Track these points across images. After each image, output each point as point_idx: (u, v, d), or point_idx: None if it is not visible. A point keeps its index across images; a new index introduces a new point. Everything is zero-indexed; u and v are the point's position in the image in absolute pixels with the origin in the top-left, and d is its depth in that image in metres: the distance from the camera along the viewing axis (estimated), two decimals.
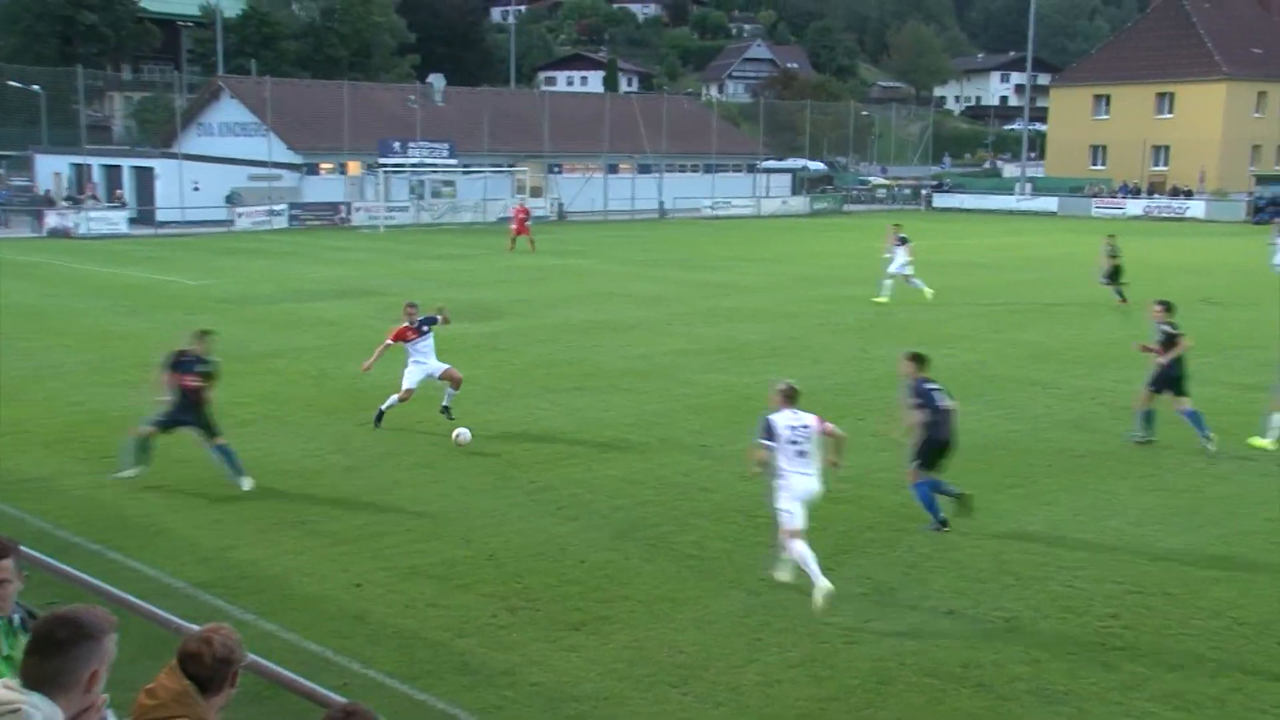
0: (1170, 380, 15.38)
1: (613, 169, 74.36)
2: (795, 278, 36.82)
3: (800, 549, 10.14)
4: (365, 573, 10.79)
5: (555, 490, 13.47)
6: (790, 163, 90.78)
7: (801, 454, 10.31)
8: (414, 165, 61.71)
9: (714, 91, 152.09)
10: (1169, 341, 15.37)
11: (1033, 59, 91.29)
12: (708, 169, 78.99)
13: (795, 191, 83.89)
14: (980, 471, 14.30)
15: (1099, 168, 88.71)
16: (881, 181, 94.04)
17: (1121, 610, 10.02)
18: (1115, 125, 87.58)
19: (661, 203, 72.27)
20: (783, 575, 10.53)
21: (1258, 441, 15.42)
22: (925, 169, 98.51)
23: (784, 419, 10.33)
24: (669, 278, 35.41)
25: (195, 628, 4.49)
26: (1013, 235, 57.91)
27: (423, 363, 16.19)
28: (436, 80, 74.86)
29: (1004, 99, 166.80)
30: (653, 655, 9.09)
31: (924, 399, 11.97)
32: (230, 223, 56.56)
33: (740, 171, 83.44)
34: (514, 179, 68.81)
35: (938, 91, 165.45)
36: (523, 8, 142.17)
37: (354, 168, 65.01)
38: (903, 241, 30.60)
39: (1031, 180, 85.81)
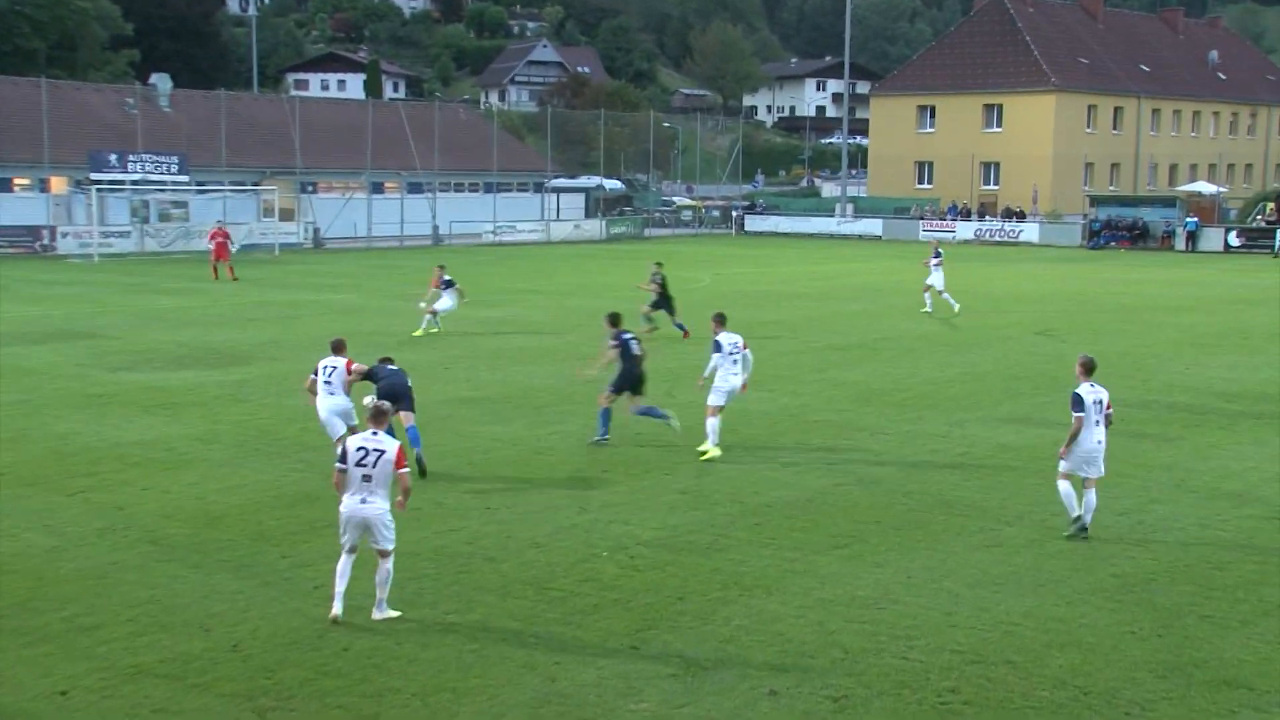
0: (631, 381, 19.00)
1: (377, 188, 73.70)
2: (591, 312, 37.07)
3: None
4: (74, 676, 10.27)
5: (312, 566, 13.13)
6: (583, 181, 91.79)
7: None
8: (135, 182, 59.79)
9: (494, 99, 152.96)
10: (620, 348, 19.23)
11: (850, 64, 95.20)
12: (488, 188, 79.18)
13: (590, 214, 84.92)
14: (802, 530, 14.66)
15: (925, 186, 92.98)
16: (687, 202, 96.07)
17: (961, 683, 10.39)
18: (941, 139, 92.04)
19: (436, 227, 72.00)
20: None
21: None
22: (735, 188, 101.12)
23: (358, 441, 11.50)
24: (445, 314, 35.15)
25: None
26: (835, 262, 59.95)
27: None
28: (161, 81, 72.91)
29: (821, 109, 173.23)
30: None
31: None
32: None
33: (526, 191, 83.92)
34: (260, 199, 67.40)
35: (748, 100, 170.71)
36: None
37: (58, 184, 62.51)
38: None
39: (853, 200, 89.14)
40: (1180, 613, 12.10)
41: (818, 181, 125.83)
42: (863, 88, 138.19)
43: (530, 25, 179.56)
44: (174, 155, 61.71)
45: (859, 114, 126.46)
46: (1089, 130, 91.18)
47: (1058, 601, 12.37)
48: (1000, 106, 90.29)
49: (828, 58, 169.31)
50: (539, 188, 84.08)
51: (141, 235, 60.01)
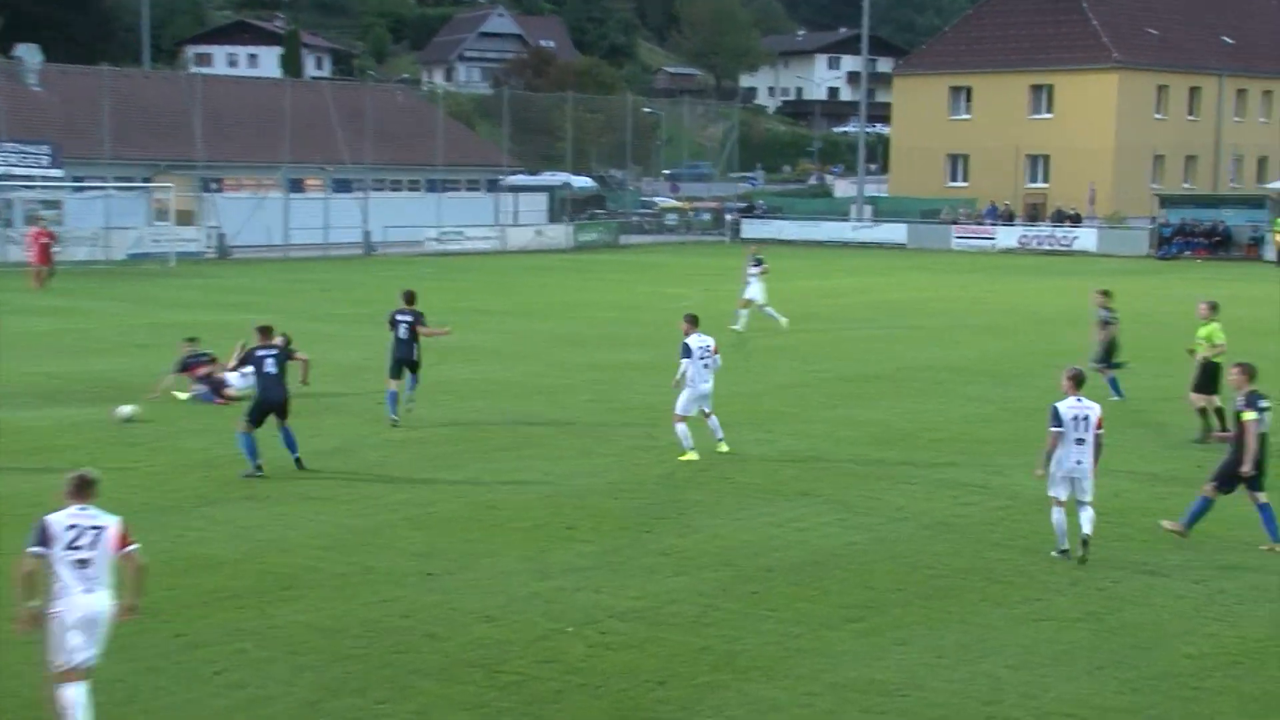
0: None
1: (296, 186, 73.69)
2: (554, 338, 37.17)
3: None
4: None
5: (212, 646, 13.09)
6: (546, 178, 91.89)
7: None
8: None
9: (439, 78, 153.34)
10: None
11: (870, 38, 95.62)
12: (432, 186, 79.24)
13: (554, 218, 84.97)
14: (809, 600, 14.67)
15: (959, 184, 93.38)
16: (672, 203, 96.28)
17: None
18: (979, 128, 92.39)
19: (368, 234, 71.96)
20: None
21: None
22: (730, 186, 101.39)
23: (64, 519, 10.73)
24: (377, 338, 35.03)
25: None
26: (849, 275, 60.15)
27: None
28: (29, 53, 72.64)
29: (833, 91, 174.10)
30: None
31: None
32: None
33: (477, 190, 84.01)
34: (151, 199, 67.22)
35: (745, 81, 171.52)
36: None
37: None
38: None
39: (871, 201, 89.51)
40: (1274, 704, 12.12)
41: (829, 179, 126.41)
42: (884, 65, 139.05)
43: None
44: (44, 145, 61.46)
45: (879, 97, 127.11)
46: (1158, 116, 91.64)
47: (1120, 688, 12.40)
48: (1050, 88, 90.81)
49: (842, 30, 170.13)
50: (493, 186, 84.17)
51: (3, 242, 59.82)
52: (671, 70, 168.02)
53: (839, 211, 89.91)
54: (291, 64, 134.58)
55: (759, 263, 38.95)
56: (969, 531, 17.59)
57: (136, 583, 11.14)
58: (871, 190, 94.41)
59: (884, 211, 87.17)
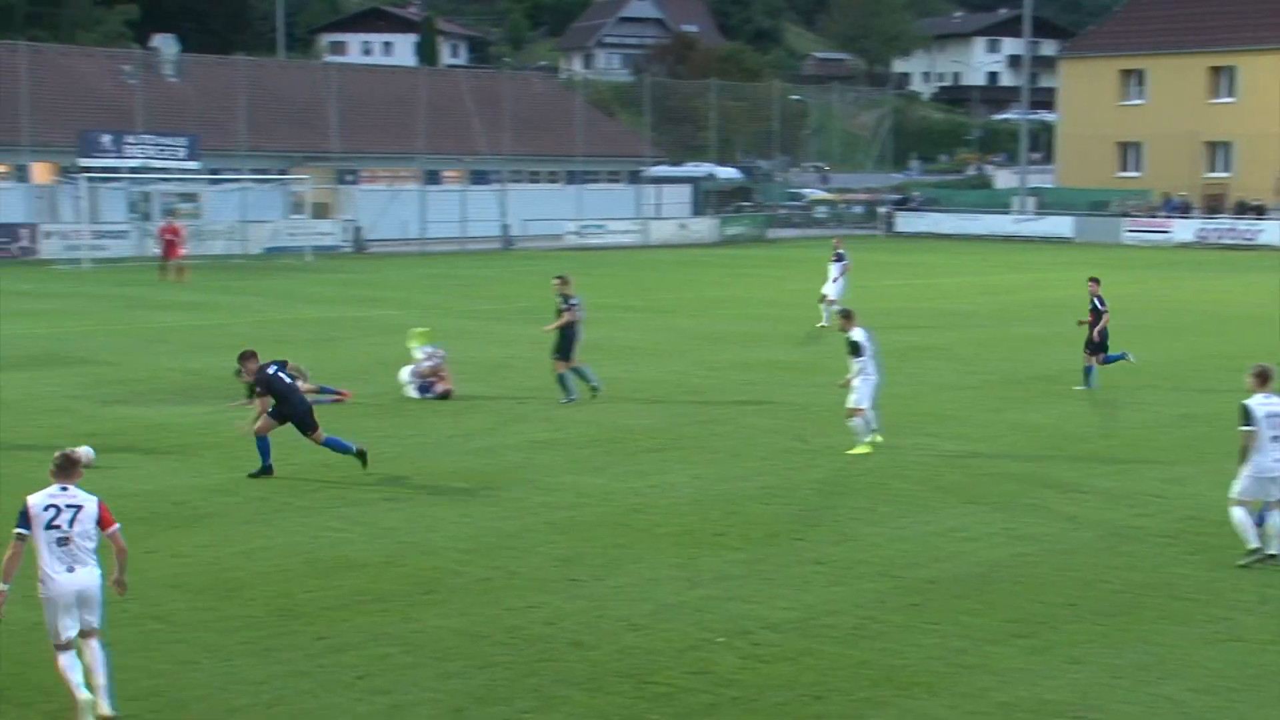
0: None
1: (433, 178, 74.49)
2: (700, 335, 37.16)
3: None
4: None
5: (354, 650, 13.27)
6: (690, 169, 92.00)
7: None
8: (135, 170, 60.95)
9: (578, 66, 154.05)
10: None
11: (1033, 19, 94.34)
12: (571, 178, 79.68)
13: (698, 210, 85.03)
14: (974, 614, 14.51)
15: (1131, 174, 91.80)
16: (821, 195, 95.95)
17: None
18: (1153, 114, 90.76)
19: (506, 227, 72.54)
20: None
21: None
22: (884, 177, 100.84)
23: (43, 499, 11.48)
24: (518, 336, 35.45)
25: None
26: (1012, 271, 59.49)
27: None
28: (166, 44, 74.40)
29: (993, 76, 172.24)
30: None
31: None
32: None
33: (618, 182, 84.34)
34: (288, 192, 68.33)
35: (899, 66, 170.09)
36: None
37: (43, 172, 64.02)
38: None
39: (1035, 193, 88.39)
40: None
41: (989, 169, 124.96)
42: (1048, 49, 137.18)
43: None
44: (182, 137, 62.64)
45: (1042, 82, 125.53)
46: None
47: None
48: (1233, 69, 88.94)
49: (1002, 10, 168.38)
50: (634, 178, 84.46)
51: (141, 236, 61.15)
52: (820, 56, 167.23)
53: (1000, 204, 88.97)
54: (427, 52, 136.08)
55: (840, 258, 39.20)
56: (1147, 544, 17.28)
57: (121, 563, 11.79)
58: (1035, 181, 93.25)
59: (1049, 203, 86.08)
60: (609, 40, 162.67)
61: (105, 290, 47.59)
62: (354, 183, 73.03)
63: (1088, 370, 28.35)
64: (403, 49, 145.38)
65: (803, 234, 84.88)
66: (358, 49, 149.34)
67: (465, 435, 23.47)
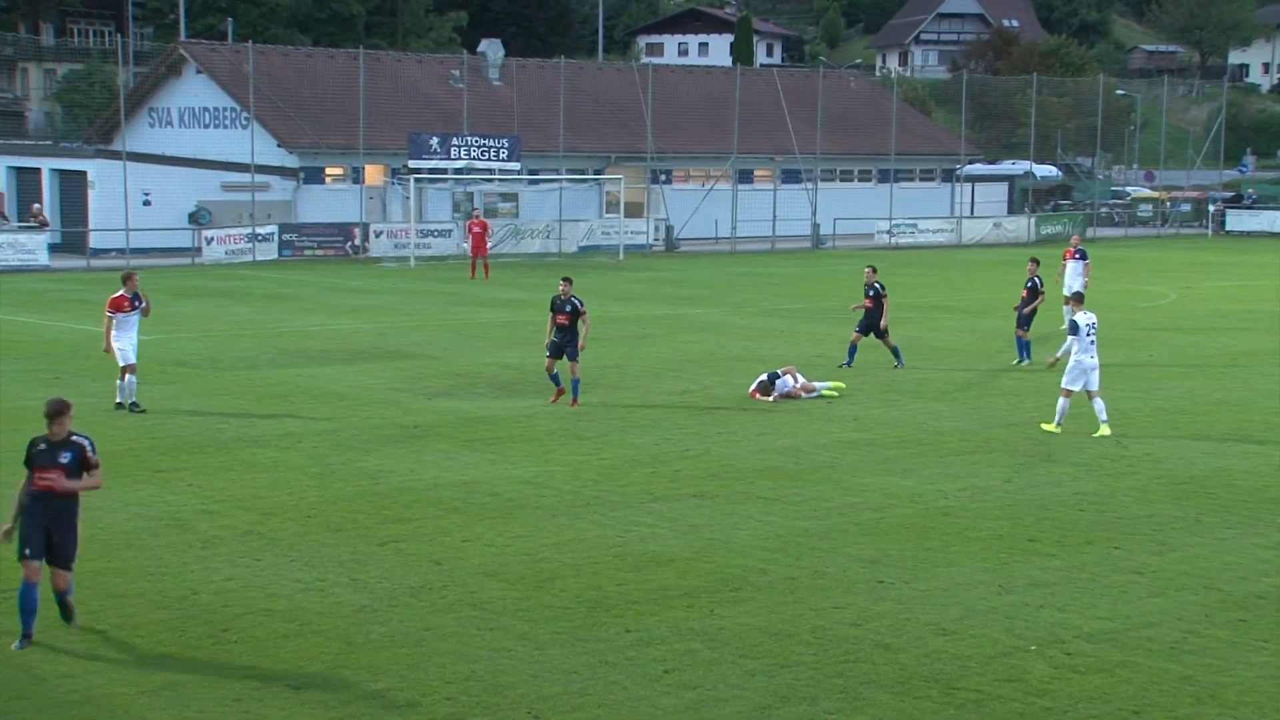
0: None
1: (745, 177, 74.80)
2: (1011, 337, 36.47)
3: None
4: None
5: (661, 644, 13.44)
6: (1006, 167, 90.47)
7: None
8: (459, 171, 62.68)
9: (894, 63, 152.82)
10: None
11: None
12: (883, 177, 79.07)
13: (1014, 209, 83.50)
14: None
15: None
16: (1146, 193, 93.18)
17: None
18: None
19: (816, 226, 72.43)
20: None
21: None
22: (1215, 174, 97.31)
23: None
24: (828, 335, 35.38)
25: None
26: None
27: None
28: (492, 49, 76.22)
29: None
30: None
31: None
32: (196, 251, 58.06)
33: (932, 181, 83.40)
34: (603, 191, 69.46)
35: (1235, 58, 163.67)
36: None
37: (374, 174, 66.26)
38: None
39: None
40: None
41: None
42: None
43: None
44: (504, 138, 63.94)
45: None
46: None
47: None
48: None
49: None
50: (948, 176, 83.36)
51: (465, 236, 62.76)
52: (1149, 49, 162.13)
53: None
54: (742, 51, 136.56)
55: (1083, 255, 38.17)
56: None
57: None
58: None
59: None
60: (926, 37, 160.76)
61: (429, 287, 49.06)
62: (666, 182, 73.76)
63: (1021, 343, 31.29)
64: (718, 49, 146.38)
65: (1125, 233, 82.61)
66: (674, 50, 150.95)
67: (773, 434, 23.54)
